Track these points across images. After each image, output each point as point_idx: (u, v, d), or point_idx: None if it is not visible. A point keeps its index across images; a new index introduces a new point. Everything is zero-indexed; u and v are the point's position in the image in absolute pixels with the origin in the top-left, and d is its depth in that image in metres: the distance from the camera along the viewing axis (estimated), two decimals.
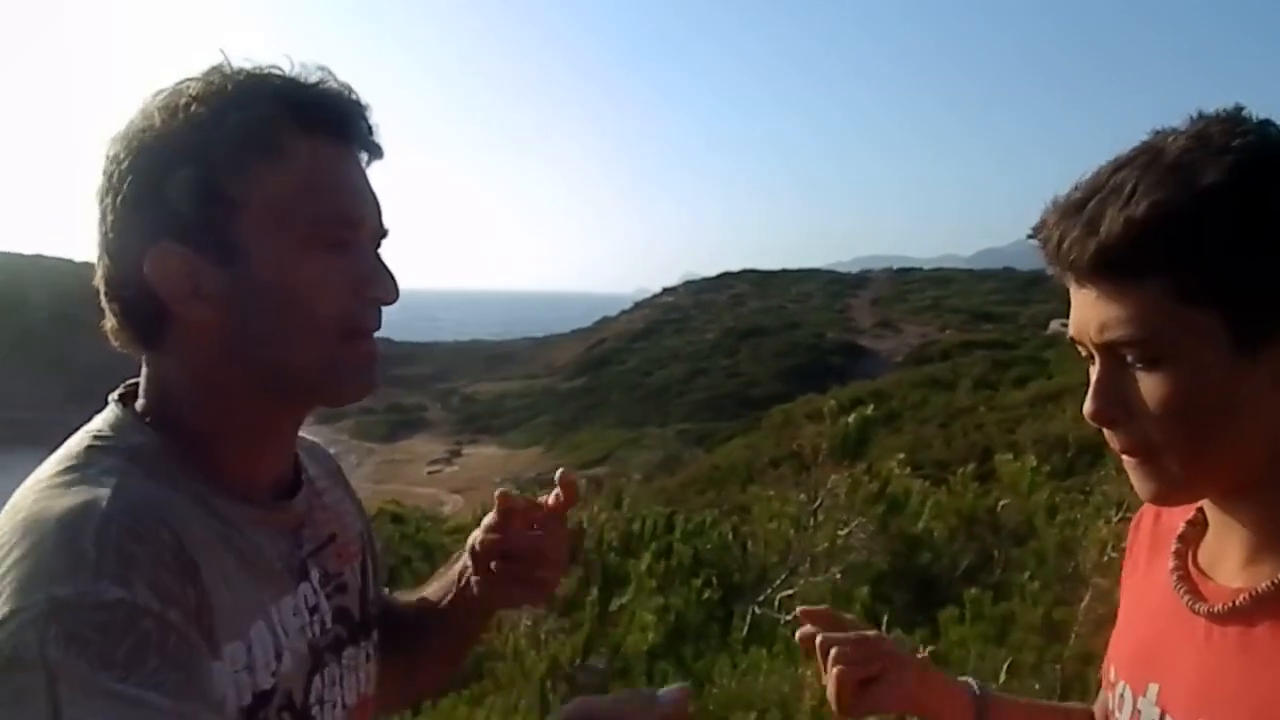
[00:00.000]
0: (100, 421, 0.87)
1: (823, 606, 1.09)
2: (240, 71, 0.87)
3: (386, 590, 1.18)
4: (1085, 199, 0.79)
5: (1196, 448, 0.80)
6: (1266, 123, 0.78)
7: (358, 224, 0.89)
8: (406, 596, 1.20)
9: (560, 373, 77.23)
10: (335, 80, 0.89)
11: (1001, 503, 5.22)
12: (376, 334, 0.92)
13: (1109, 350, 0.81)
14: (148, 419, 0.88)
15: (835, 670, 1.02)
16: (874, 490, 5.34)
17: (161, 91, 0.86)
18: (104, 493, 0.76)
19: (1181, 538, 0.94)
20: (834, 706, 1.04)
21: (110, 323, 0.88)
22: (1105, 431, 0.85)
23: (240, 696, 0.81)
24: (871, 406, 6.51)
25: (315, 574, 0.96)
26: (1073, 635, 3.63)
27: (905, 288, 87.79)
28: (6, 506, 0.78)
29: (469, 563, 1.10)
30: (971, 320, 67.62)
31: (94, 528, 0.73)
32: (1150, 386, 0.79)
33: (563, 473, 1.08)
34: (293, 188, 0.84)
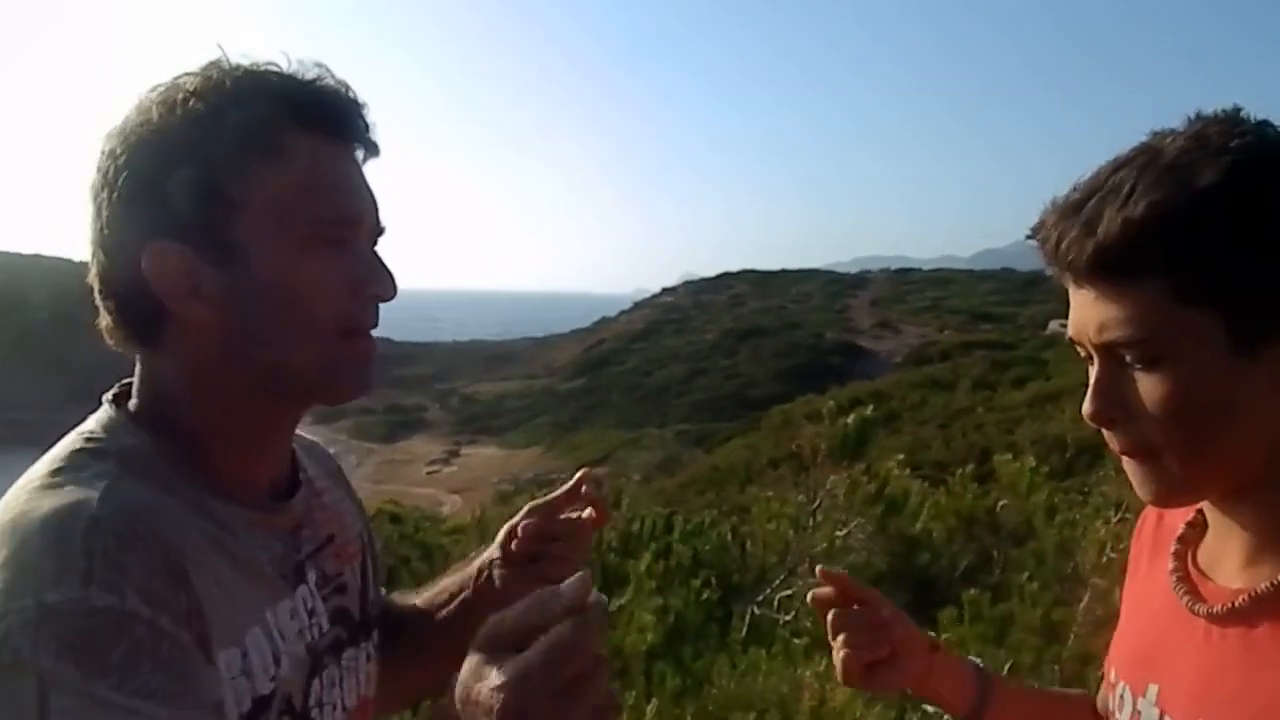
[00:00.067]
0: (93, 423, 0.86)
1: (841, 570, 1.08)
2: (238, 68, 0.86)
3: (385, 591, 1.17)
4: (1083, 200, 0.79)
5: (1195, 448, 0.80)
6: (1264, 123, 0.78)
7: (356, 223, 0.89)
8: (408, 597, 1.20)
9: (559, 373, 77.23)
10: (332, 77, 0.88)
11: (1000, 503, 5.22)
12: (376, 334, 0.92)
13: (1108, 351, 0.81)
14: (141, 420, 0.87)
15: (841, 653, 1.03)
16: (873, 491, 5.34)
17: (158, 86, 0.85)
18: (93, 496, 0.75)
19: (1181, 539, 0.94)
20: (840, 679, 1.05)
21: (105, 321, 0.87)
22: (1104, 432, 0.85)
23: (239, 703, 0.80)
24: (870, 407, 6.51)
25: (313, 576, 0.95)
26: (1071, 636, 3.63)
27: (904, 288, 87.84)
28: None
29: (497, 553, 1.11)
30: (970, 321, 67.67)
31: (82, 532, 0.72)
32: (1149, 387, 0.79)
33: (588, 490, 1.10)
34: (292, 187, 0.84)
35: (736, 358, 65.03)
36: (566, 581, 0.63)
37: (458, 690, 0.62)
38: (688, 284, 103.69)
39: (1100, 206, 0.78)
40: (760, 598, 4.97)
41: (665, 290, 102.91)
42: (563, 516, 1.11)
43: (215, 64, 0.86)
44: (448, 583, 1.17)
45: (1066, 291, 0.84)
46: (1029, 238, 0.85)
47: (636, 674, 4.18)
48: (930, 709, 3.45)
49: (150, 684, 0.68)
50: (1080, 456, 9.16)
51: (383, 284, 0.90)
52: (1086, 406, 0.84)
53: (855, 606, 1.05)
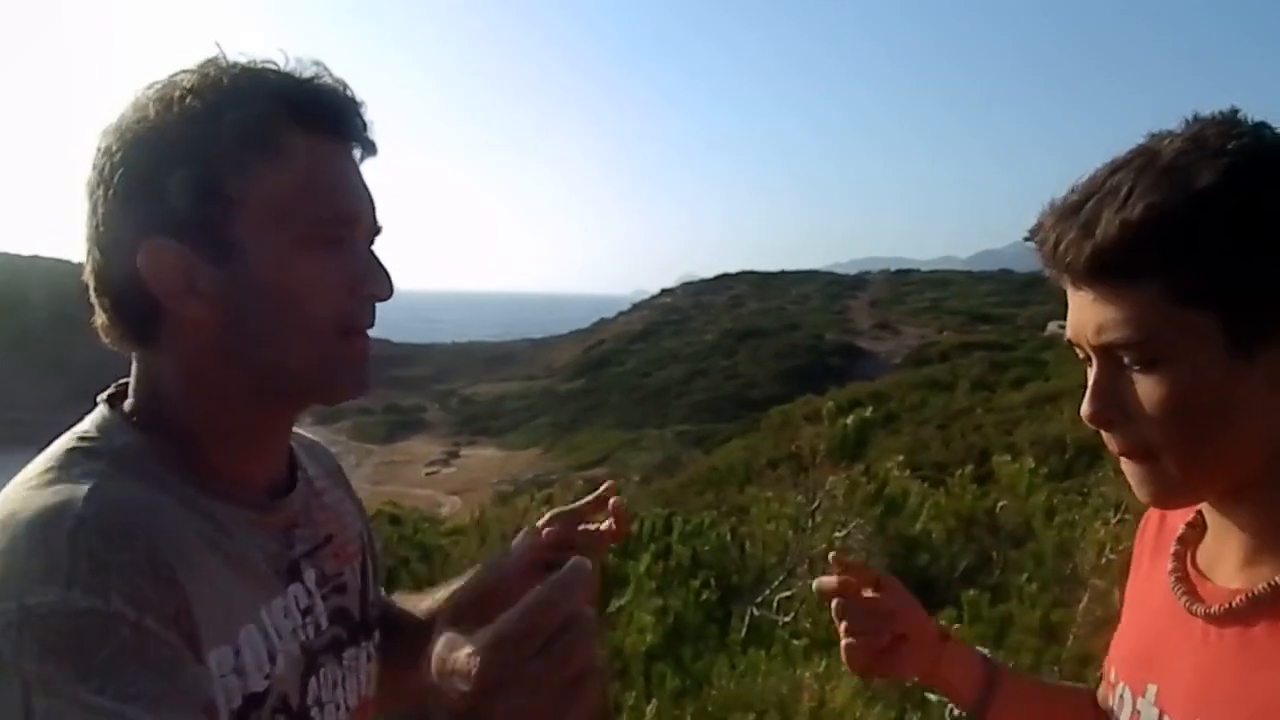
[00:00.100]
0: (87, 423, 0.86)
1: (854, 559, 1.08)
2: (235, 66, 0.86)
3: (385, 592, 1.17)
4: (1081, 202, 0.80)
5: (1194, 449, 0.80)
6: (1261, 125, 0.79)
7: (354, 222, 0.89)
8: (411, 599, 1.20)
9: (559, 374, 77.22)
10: (330, 75, 0.88)
11: (1000, 504, 5.22)
12: (375, 335, 0.92)
13: (1106, 352, 0.82)
14: (136, 419, 0.87)
15: (845, 643, 1.03)
16: (872, 491, 5.34)
17: (155, 84, 0.85)
18: (80, 496, 0.75)
19: (1180, 539, 0.94)
20: (846, 667, 1.05)
21: (101, 319, 0.87)
22: (1103, 433, 0.85)
23: (230, 700, 0.80)
24: (870, 408, 6.52)
25: (310, 575, 0.95)
26: (1070, 637, 3.63)
27: (903, 289, 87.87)
28: None
29: (518, 551, 1.12)
30: (969, 322, 67.69)
31: (67, 532, 0.72)
32: (1147, 388, 0.79)
33: (615, 502, 1.10)
34: (291, 186, 0.84)
35: (736, 359, 65.05)
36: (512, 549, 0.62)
37: (433, 663, 0.61)
38: (687, 285, 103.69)
39: (1098, 208, 0.78)
40: (760, 598, 4.97)
41: (664, 291, 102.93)
42: (582, 527, 1.12)
43: (212, 62, 0.86)
44: (457, 586, 1.17)
45: (1065, 293, 0.85)
46: (1027, 239, 0.86)
47: (636, 675, 4.18)
48: (931, 707, 3.45)
49: (136, 686, 0.68)
50: (1079, 457, 9.16)
51: (380, 283, 0.90)
52: (1085, 408, 0.84)
53: (870, 592, 1.05)
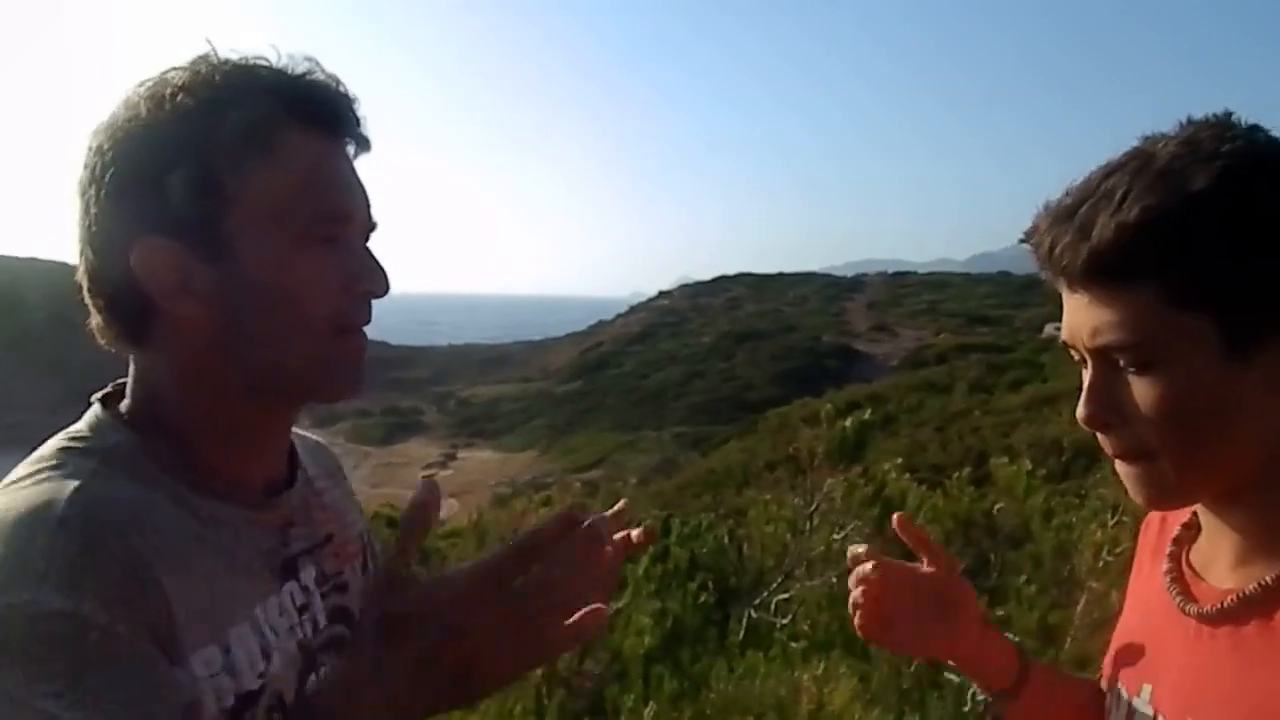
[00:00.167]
0: (81, 422, 0.86)
1: (918, 527, 1.06)
2: (226, 62, 0.85)
3: None
4: (1076, 204, 0.80)
5: (1189, 451, 0.80)
6: (1255, 128, 0.79)
7: (349, 219, 0.88)
8: None
9: (556, 376, 77.18)
10: (323, 71, 0.87)
11: (997, 506, 5.23)
12: (373, 337, 0.92)
13: (1101, 355, 0.82)
14: (130, 418, 0.86)
15: (850, 600, 1.03)
16: (870, 493, 5.35)
17: (145, 82, 0.84)
18: (65, 495, 0.74)
19: (1176, 540, 0.94)
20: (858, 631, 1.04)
21: (95, 320, 0.87)
22: (1099, 435, 0.85)
23: (221, 699, 0.79)
24: (867, 410, 6.53)
25: (309, 573, 0.95)
26: (1068, 639, 3.64)
27: (901, 291, 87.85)
28: None
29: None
30: (967, 324, 67.70)
31: (46, 532, 0.71)
32: (1143, 391, 0.80)
33: (648, 525, 1.09)
34: (287, 184, 0.83)
35: (733, 361, 65.01)
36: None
37: (404, 607, 0.60)
38: (684, 287, 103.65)
39: (1093, 211, 0.78)
40: (758, 601, 4.97)
41: (662, 293, 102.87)
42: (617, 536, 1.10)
43: (204, 59, 0.85)
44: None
45: (1061, 295, 0.85)
46: (1023, 242, 0.86)
47: (634, 677, 4.18)
48: (930, 708, 3.45)
49: (96, 693, 0.67)
50: (1077, 459, 9.17)
51: (376, 280, 0.89)
52: (1080, 410, 0.84)
53: (924, 562, 1.04)
